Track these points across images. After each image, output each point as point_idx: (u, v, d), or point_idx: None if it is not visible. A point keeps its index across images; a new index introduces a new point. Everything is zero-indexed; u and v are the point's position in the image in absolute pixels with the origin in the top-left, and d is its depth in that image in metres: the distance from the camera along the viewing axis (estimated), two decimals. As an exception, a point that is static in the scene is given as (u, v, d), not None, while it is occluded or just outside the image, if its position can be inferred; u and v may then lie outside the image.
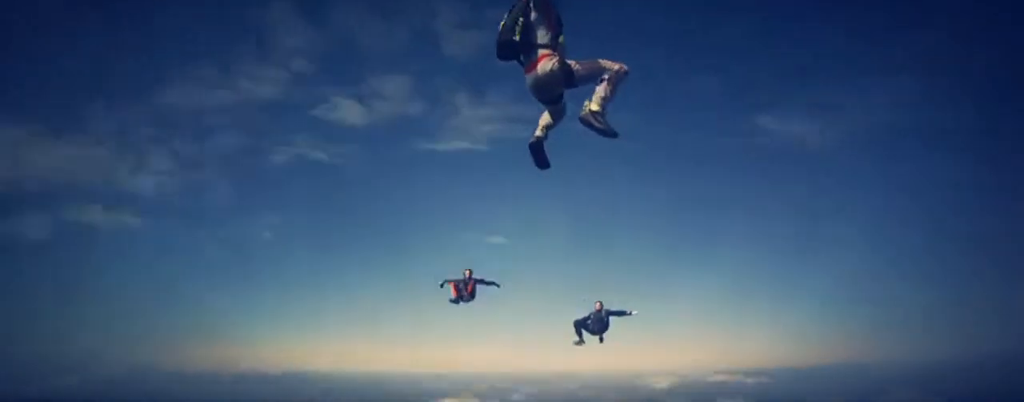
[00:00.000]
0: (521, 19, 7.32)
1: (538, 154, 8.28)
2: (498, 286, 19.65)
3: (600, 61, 7.50)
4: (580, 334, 19.32)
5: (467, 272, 19.21)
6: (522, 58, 7.58)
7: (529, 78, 7.57)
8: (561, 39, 7.55)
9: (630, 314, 19.56)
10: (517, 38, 7.33)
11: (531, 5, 7.39)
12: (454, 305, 19.40)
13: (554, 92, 7.74)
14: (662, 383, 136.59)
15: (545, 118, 8.18)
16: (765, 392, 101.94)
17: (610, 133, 7.42)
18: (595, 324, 19.07)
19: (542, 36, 7.42)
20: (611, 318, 19.28)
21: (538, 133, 8.19)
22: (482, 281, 19.35)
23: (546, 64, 7.27)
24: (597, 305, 19.36)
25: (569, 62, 7.37)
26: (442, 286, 19.30)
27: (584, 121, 7.45)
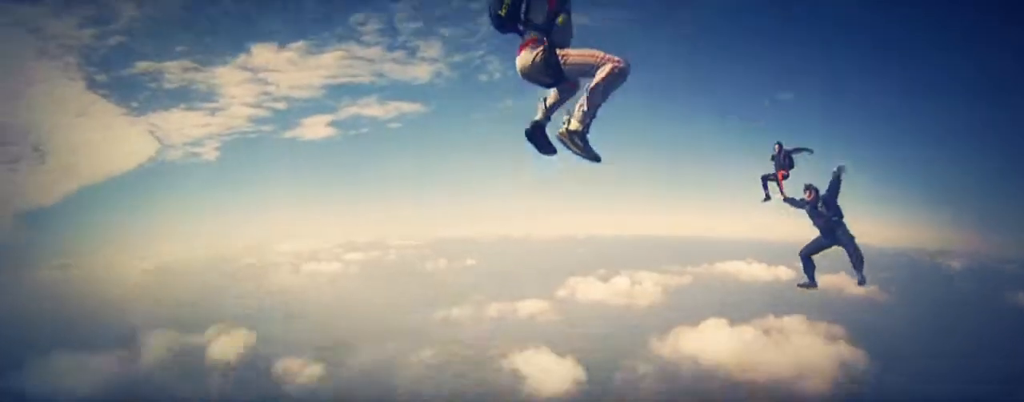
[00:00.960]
0: None
1: (538, 140, 7.55)
2: (811, 151, 18.15)
3: (595, 55, 6.78)
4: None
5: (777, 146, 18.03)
6: (521, 30, 6.99)
7: (517, 60, 7.02)
8: (561, 19, 6.90)
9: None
10: (503, 13, 6.77)
11: None
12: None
13: (544, 81, 7.14)
14: (956, 263, 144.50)
15: (550, 96, 7.52)
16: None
17: (591, 157, 7.01)
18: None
19: (536, 14, 6.84)
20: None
21: (537, 117, 7.53)
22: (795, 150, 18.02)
23: (528, 55, 6.83)
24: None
25: (559, 53, 6.79)
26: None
27: (562, 141, 7.04)
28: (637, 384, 73.14)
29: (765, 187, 18.33)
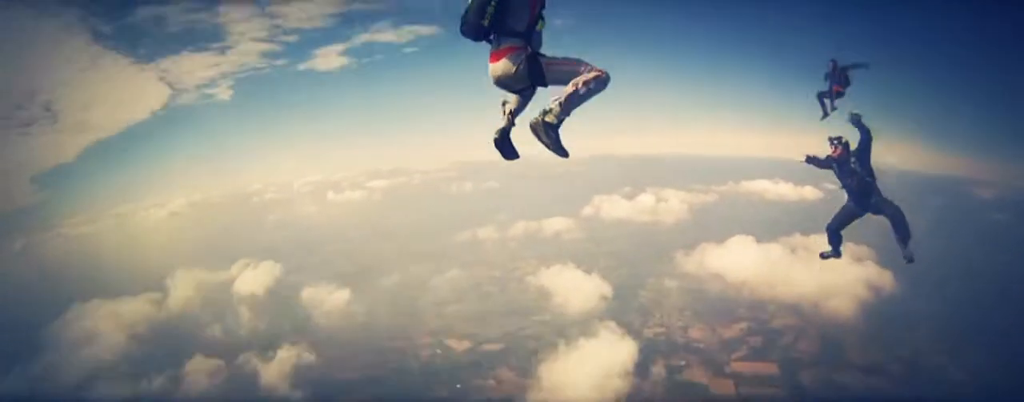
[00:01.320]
0: (493, 2, 6.67)
1: (505, 147, 7.82)
2: (867, 67, 17.34)
3: (577, 65, 6.95)
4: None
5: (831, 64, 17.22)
6: (492, 38, 7.02)
7: (491, 68, 7.08)
8: (540, 26, 7.01)
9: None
10: (486, 23, 6.73)
11: None
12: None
13: (517, 87, 7.27)
14: (986, 193, 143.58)
15: (511, 100, 7.71)
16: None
17: (558, 152, 7.25)
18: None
19: (517, 21, 6.85)
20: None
21: (502, 124, 7.72)
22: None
23: (510, 63, 6.88)
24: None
25: (542, 60, 6.96)
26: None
27: (533, 130, 7.14)
28: (663, 300, 73.23)
29: (823, 104, 17.72)
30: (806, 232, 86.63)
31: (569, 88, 6.91)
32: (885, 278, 74.00)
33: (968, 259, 79.40)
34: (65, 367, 65.00)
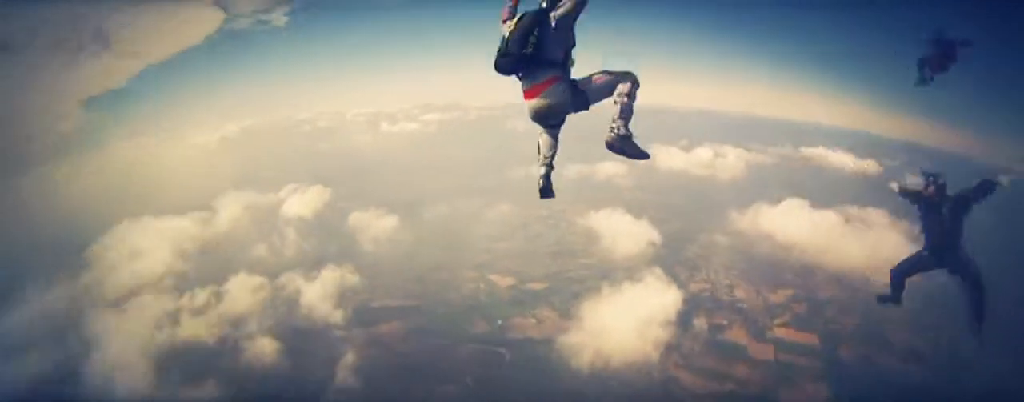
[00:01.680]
0: (536, 31, 7.02)
1: (550, 192, 8.83)
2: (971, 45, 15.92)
3: (608, 75, 7.60)
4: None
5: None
6: (521, 74, 7.46)
7: (533, 103, 7.51)
8: (572, 57, 7.48)
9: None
10: (529, 51, 7.09)
11: (547, 15, 7.10)
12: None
13: (556, 120, 8.03)
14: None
15: (545, 146, 8.52)
16: None
17: (642, 155, 7.96)
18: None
19: (554, 51, 7.26)
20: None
21: (543, 170, 8.58)
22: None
23: (555, 92, 7.37)
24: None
25: (580, 86, 7.58)
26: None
27: (614, 147, 7.85)
28: (711, 256, 72.71)
29: (922, 71, 16.43)
30: (862, 205, 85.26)
31: (617, 105, 7.73)
32: None
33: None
34: (108, 282, 66.78)
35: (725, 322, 62.50)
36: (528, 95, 7.56)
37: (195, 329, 58.33)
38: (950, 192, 12.87)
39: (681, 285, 65.92)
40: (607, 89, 7.72)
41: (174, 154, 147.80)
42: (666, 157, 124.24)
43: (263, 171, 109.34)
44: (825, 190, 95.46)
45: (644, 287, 63.94)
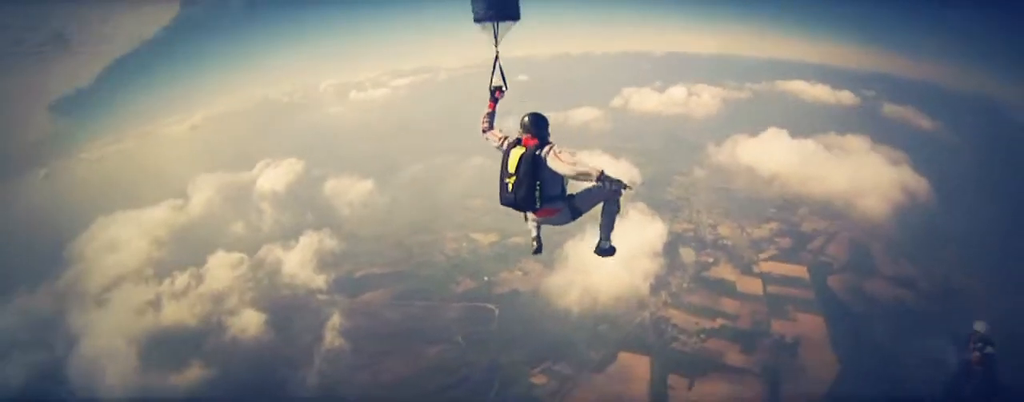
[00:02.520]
0: (539, 184, 8.66)
1: (539, 250, 10.04)
2: None
3: (597, 191, 9.01)
4: None
5: None
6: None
7: (543, 219, 9.25)
8: (565, 186, 9.00)
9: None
10: (538, 204, 8.76)
11: (542, 158, 8.68)
12: None
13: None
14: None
15: (533, 230, 9.94)
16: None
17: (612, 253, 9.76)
18: None
19: (553, 189, 8.83)
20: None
21: (535, 246, 9.99)
22: None
23: (561, 217, 9.09)
24: None
25: (576, 202, 9.09)
26: None
27: (602, 255, 9.82)
28: (691, 194, 72.53)
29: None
30: (841, 132, 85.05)
31: (603, 220, 9.46)
32: (921, 184, 72.54)
33: (1004, 184, 77.76)
34: (90, 276, 66.04)
35: (711, 260, 62.46)
36: (538, 214, 9.06)
37: (177, 312, 57.82)
38: None
39: (665, 219, 65.99)
40: (594, 201, 9.24)
41: (145, 148, 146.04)
42: (640, 98, 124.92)
43: (236, 152, 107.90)
44: (803, 121, 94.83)
45: (627, 221, 63.46)
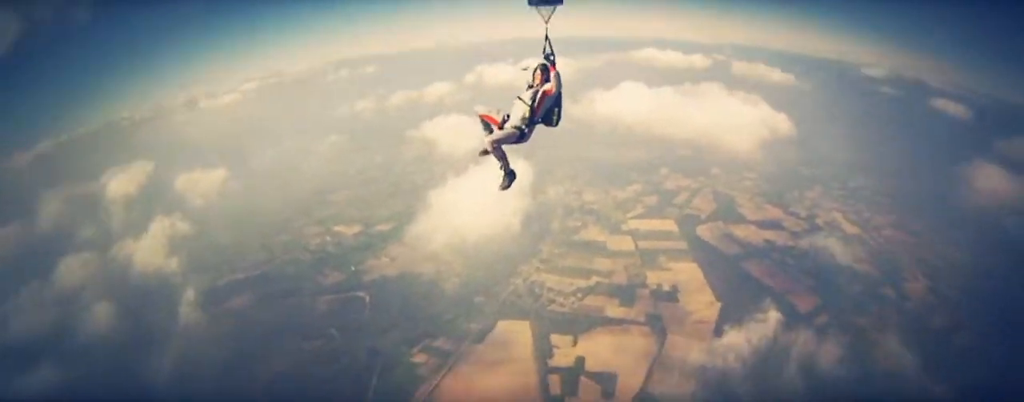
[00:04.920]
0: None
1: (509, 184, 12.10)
2: None
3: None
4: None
5: None
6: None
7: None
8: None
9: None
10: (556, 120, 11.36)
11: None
12: None
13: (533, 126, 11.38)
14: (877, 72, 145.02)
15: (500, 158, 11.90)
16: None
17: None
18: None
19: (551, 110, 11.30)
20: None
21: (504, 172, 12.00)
22: None
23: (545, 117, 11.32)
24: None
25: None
26: None
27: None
28: (555, 140, 73.27)
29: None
30: (696, 82, 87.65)
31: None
32: (781, 120, 76.24)
33: (859, 117, 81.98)
34: None
35: (579, 224, 62.67)
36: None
37: (24, 323, 53.98)
38: None
39: (529, 195, 65.18)
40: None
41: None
42: (494, 72, 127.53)
43: (82, 166, 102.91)
44: (658, 76, 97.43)
45: (490, 167, 63.54)
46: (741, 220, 63.90)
